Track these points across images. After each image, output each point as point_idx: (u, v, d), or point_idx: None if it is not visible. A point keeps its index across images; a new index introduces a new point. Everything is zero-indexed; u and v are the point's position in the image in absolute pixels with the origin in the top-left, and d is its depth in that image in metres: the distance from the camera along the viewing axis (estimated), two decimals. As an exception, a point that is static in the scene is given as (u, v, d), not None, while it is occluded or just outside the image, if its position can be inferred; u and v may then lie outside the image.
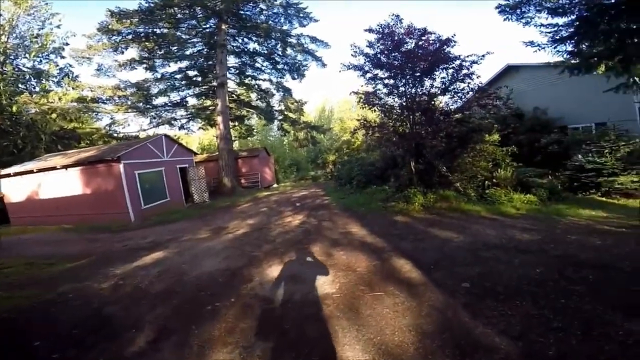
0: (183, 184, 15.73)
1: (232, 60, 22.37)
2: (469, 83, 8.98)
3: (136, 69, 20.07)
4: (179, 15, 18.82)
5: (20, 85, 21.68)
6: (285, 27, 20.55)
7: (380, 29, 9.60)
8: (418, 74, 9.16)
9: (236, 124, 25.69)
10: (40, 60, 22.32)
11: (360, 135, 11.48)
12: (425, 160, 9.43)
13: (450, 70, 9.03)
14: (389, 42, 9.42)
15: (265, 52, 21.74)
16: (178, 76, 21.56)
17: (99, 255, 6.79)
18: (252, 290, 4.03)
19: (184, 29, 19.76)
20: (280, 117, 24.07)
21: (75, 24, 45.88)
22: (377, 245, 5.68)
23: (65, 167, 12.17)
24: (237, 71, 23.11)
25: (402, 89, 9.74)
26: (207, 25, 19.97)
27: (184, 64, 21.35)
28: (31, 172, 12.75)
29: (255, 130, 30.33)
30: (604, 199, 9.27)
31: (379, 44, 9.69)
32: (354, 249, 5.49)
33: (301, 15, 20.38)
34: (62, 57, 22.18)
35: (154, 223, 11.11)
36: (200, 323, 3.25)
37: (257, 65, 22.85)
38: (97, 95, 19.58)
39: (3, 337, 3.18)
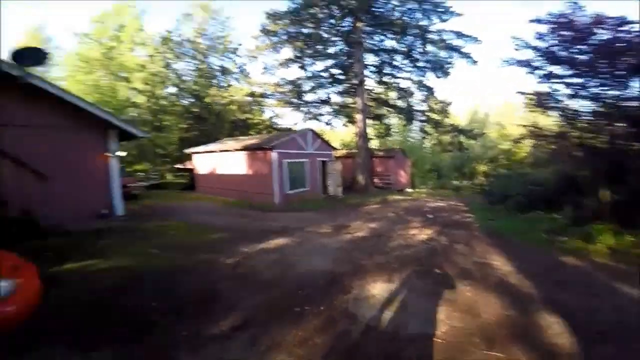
0: (322, 175, 16.92)
1: (370, 59, 22.19)
2: None
3: (290, 67, 22.67)
4: (320, 15, 19.91)
5: (212, 81, 28.36)
6: (423, 23, 18.97)
7: (554, 19, 7.46)
8: (621, 72, 6.20)
9: (375, 122, 25.64)
10: (223, 59, 28.46)
11: (526, 146, 8.90)
12: (628, 189, 6.25)
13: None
14: (568, 34, 7.05)
15: (404, 49, 20.58)
16: (324, 74, 22.94)
17: (240, 231, 7.94)
18: (344, 304, 3.56)
19: (325, 28, 20.65)
20: (421, 118, 22.23)
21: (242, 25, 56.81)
22: (522, 289, 4.07)
23: (236, 150, 15.24)
24: (376, 69, 22.71)
25: (593, 90, 6.92)
26: (344, 24, 20.37)
27: (329, 62, 22.53)
28: (213, 151, 16.65)
29: (393, 130, 29.36)
30: None
31: (552, 36, 7.34)
32: (487, 288, 4.09)
33: (439, 9, 18.55)
34: (239, 56, 27.69)
35: (291, 208, 12.36)
36: (281, 323, 3.09)
37: (396, 63, 21.89)
38: (263, 90, 23.47)
39: (138, 291, 3.89)
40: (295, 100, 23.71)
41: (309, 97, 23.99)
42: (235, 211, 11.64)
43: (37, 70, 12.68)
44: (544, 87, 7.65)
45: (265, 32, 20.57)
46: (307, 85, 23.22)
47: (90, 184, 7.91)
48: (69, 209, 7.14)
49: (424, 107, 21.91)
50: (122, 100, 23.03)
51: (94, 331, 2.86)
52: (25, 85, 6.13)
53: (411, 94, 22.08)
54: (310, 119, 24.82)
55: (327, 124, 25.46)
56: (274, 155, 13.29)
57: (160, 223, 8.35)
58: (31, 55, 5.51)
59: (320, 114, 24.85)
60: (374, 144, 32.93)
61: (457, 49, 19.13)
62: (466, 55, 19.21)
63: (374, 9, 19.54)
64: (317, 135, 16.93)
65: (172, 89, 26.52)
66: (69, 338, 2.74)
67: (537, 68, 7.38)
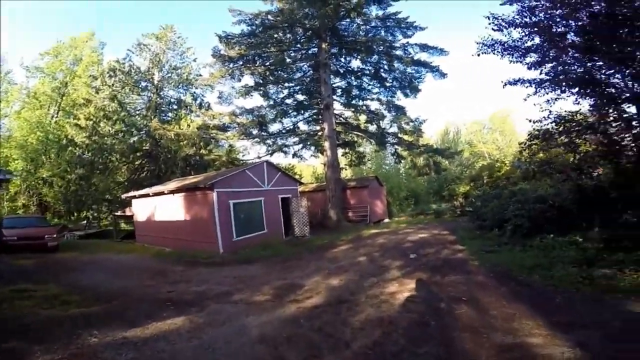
0: (284, 215, 14.45)
1: (337, 82, 21.31)
2: None
3: (252, 95, 20.62)
4: (282, 38, 19.02)
5: (168, 115, 25.82)
6: (387, 39, 18.44)
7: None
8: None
9: (346, 150, 23.99)
10: (181, 91, 26.32)
11: (526, 154, 6.93)
12: None
13: None
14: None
15: (371, 69, 19.86)
16: (288, 101, 21.47)
17: (127, 302, 5.19)
18: None
19: (290, 52, 19.76)
20: (393, 141, 20.79)
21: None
22: None
23: (171, 192, 12.53)
24: (343, 93, 21.67)
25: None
26: (309, 47, 19.60)
27: (294, 87, 21.30)
28: (148, 195, 13.89)
29: (367, 158, 27.81)
30: None
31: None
32: None
33: (403, 25, 18.04)
34: (196, 88, 25.67)
35: (237, 259, 9.65)
36: None
37: (364, 85, 21.08)
38: (218, 122, 21.19)
39: None
40: (255, 132, 21.70)
41: (273, 127, 22.22)
42: (158, 267, 8.91)
43: None
44: (533, 74, 5.70)
45: (219, 57, 18.76)
46: (270, 114, 21.42)
47: None
48: None
49: (395, 128, 20.63)
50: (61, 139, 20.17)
51: None
52: None
53: (382, 116, 20.86)
54: (275, 151, 22.71)
55: (295, 155, 23.42)
56: (214, 195, 10.73)
57: (24, 287, 5.87)
58: None
59: (285, 145, 22.82)
60: (346, 174, 31.19)
61: (424, 63, 18.33)
62: (434, 69, 18.29)
63: (338, 28, 18.84)
64: (275, 168, 14.64)
65: (120, 125, 23.81)
66: None
67: (528, 50, 5.46)
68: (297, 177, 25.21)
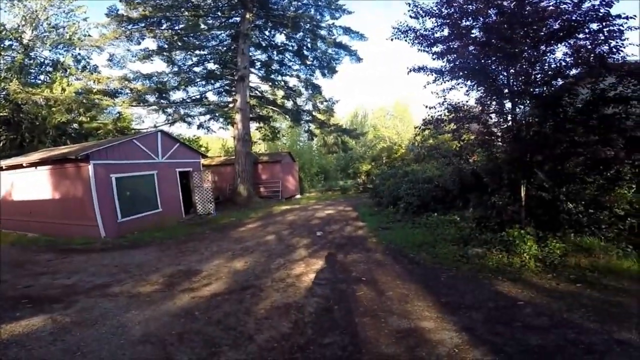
0: (185, 191, 12.87)
1: (257, 55, 20.03)
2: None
3: (152, 60, 17.84)
4: (199, 3, 16.71)
5: (39, 77, 20.82)
6: (316, 18, 18.03)
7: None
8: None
9: (260, 124, 22.93)
10: (60, 52, 21.40)
11: (419, 138, 7.44)
12: (553, 186, 5.31)
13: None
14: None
15: (294, 46, 19.21)
16: (197, 69, 19.20)
17: None
18: None
19: (208, 19, 17.55)
20: (307, 118, 20.80)
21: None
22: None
23: (34, 165, 9.69)
24: (263, 66, 20.46)
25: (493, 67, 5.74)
26: (232, 15, 17.71)
27: (206, 56, 19.06)
28: (0, 169, 10.51)
29: (281, 134, 27.25)
30: None
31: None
32: None
33: (333, 7, 17.87)
34: (80, 49, 20.96)
35: (124, 244, 8.21)
36: None
37: (285, 61, 20.24)
38: (105, 87, 17.57)
39: None
40: (153, 99, 18.42)
41: (176, 95, 19.56)
42: (16, 257, 6.95)
43: None
44: (437, 64, 6.08)
45: (116, 17, 15.52)
46: (173, 82, 18.57)
47: None
48: None
49: (311, 106, 20.56)
50: None
51: None
52: None
53: (299, 93, 20.43)
54: (175, 121, 19.89)
55: (201, 126, 21.01)
56: (90, 168, 8.62)
57: None
58: None
59: (188, 115, 20.22)
60: (260, 148, 29.99)
61: (344, 46, 18.56)
62: (352, 53, 18.72)
63: (268, 0, 17.39)
64: (172, 138, 12.73)
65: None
66: None
67: (436, 41, 5.72)
68: (202, 149, 23.04)
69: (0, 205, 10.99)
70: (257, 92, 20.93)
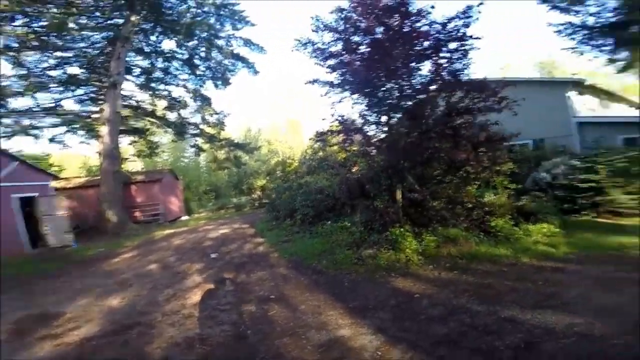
0: (29, 221, 9.79)
1: (138, 62, 17.66)
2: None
3: None
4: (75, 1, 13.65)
5: None
6: (215, 28, 17.16)
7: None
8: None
9: (135, 138, 19.62)
10: None
11: (310, 151, 7.80)
12: (420, 187, 6.35)
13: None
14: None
15: (185, 54, 17.69)
16: (53, 73, 15.13)
17: None
18: None
19: (82, 18, 14.20)
20: (194, 132, 19.10)
21: None
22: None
23: None
24: (143, 73, 17.92)
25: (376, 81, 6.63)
26: (113, 16, 15.02)
27: (68, 59, 15.29)
28: None
29: (161, 150, 23.92)
30: (600, 220, 7.54)
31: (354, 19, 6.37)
32: None
33: (236, 17, 17.31)
34: None
35: None
36: None
37: (172, 69, 18.31)
38: None
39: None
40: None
41: (18, 103, 15.07)
42: None
43: None
44: (330, 77, 6.54)
45: None
46: (17, 86, 13.85)
47: None
48: None
49: (199, 119, 18.92)
50: None
51: None
52: None
53: (185, 104, 18.49)
54: (15, 134, 14.64)
55: (53, 141, 16.17)
56: None
57: None
58: None
59: (37, 127, 15.29)
60: (135, 166, 25.48)
61: (242, 58, 18.04)
62: (250, 65, 18.33)
63: (161, 4, 15.40)
64: (7, 156, 9.47)
65: None
66: None
67: (329, 56, 6.12)
68: (54, 169, 18.15)
69: None
70: (132, 101, 18.03)
